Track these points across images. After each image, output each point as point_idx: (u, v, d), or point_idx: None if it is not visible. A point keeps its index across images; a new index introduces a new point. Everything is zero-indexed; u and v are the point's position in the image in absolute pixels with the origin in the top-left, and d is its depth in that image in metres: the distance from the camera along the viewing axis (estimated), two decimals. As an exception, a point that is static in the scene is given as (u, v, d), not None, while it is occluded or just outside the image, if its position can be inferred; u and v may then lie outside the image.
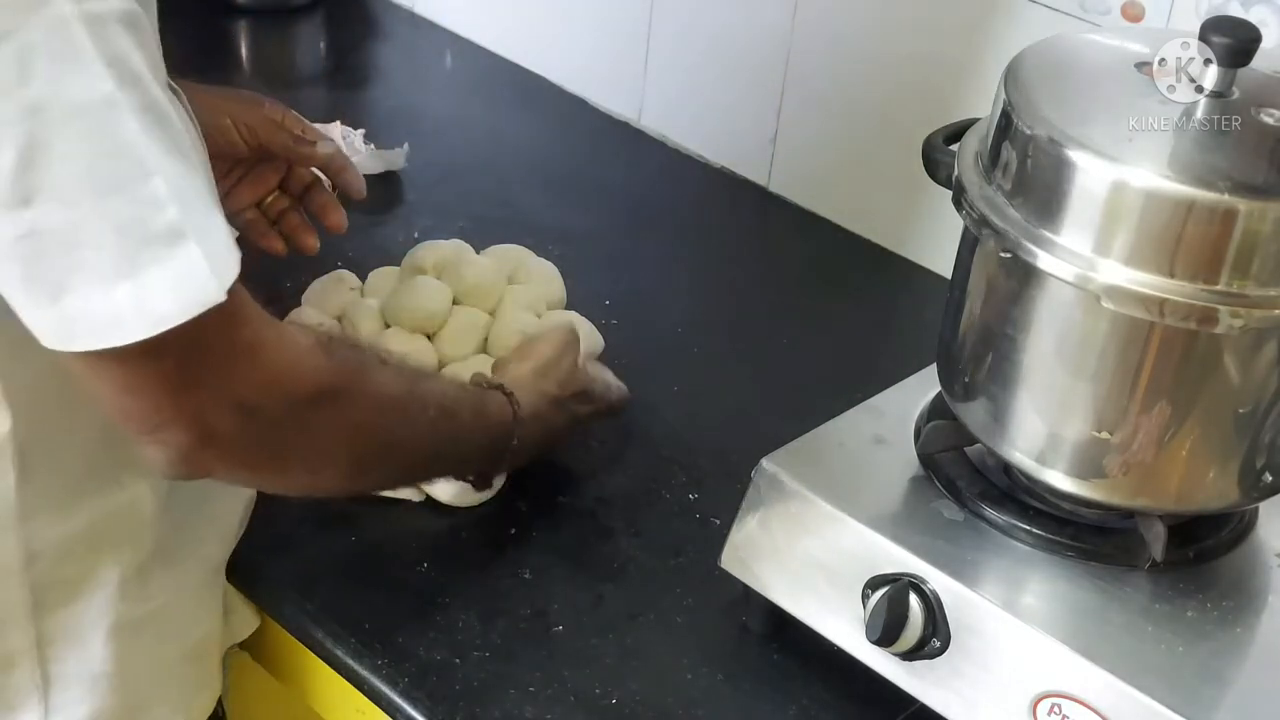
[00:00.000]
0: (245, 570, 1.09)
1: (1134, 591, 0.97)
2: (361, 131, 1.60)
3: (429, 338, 1.30)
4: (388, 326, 1.30)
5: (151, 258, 0.77)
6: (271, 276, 1.35)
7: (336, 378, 0.90)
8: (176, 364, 0.81)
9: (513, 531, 1.16)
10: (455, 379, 1.14)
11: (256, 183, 1.25)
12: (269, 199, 1.26)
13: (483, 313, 1.32)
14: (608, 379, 1.22)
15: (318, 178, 1.28)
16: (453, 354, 1.29)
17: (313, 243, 1.27)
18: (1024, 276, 0.94)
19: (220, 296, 0.79)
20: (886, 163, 1.50)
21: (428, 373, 1.07)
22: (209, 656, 1.07)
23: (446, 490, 1.16)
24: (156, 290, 0.77)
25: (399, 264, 1.37)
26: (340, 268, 1.37)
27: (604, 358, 1.32)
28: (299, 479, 0.95)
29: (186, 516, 1.01)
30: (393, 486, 1.12)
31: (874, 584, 0.98)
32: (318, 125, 1.49)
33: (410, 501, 1.17)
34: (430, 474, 1.11)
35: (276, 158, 1.24)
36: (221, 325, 0.81)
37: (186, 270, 0.78)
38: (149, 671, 1.01)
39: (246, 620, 1.12)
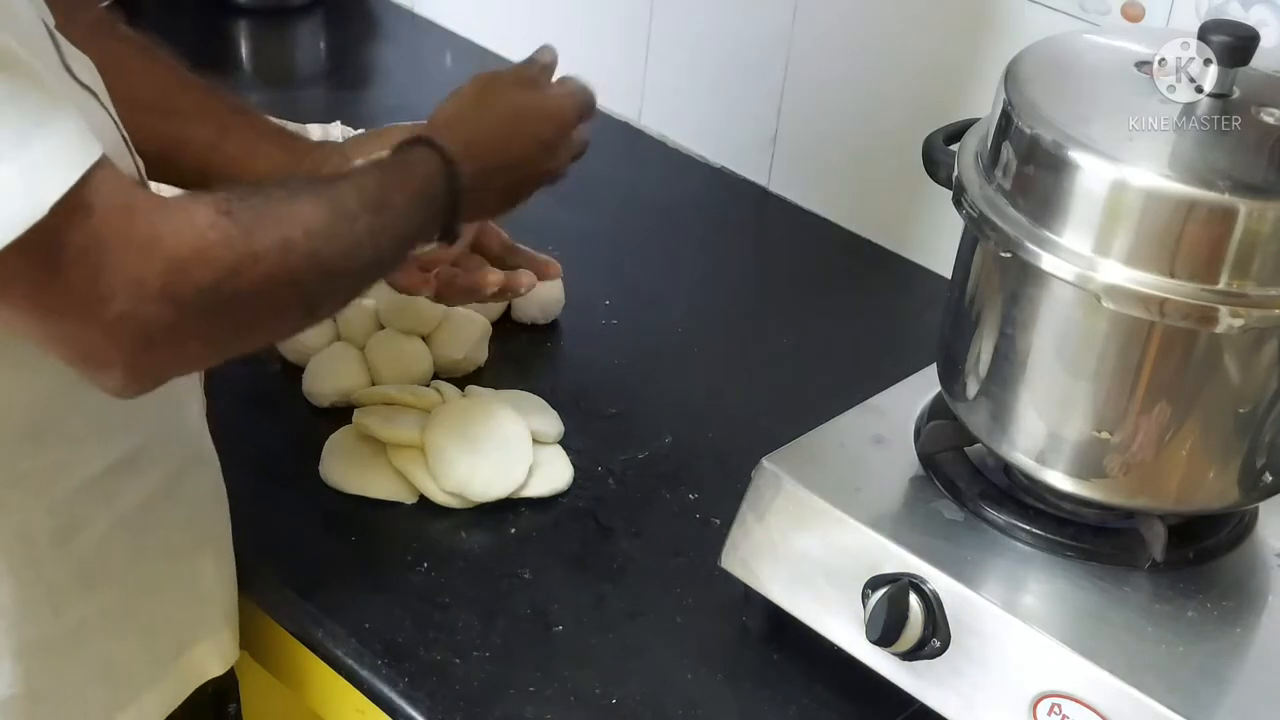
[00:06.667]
0: (245, 571, 1.09)
1: (1134, 591, 0.97)
2: (361, 132, 1.60)
3: (424, 339, 1.30)
4: (382, 328, 1.30)
5: None
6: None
7: (249, 240, 0.84)
8: (80, 277, 0.78)
9: (513, 531, 1.16)
10: (370, 163, 1.04)
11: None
12: None
13: (479, 316, 1.32)
14: (564, 85, 1.18)
15: None
16: (448, 356, 1.29)
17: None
18: (1024, 276, 0.94)
19: (35, 214, 0.75)
20: (886, 163, 1.50)
21: (339, 177, 0.99)
22: (133, 678, 1.01)
23: (446, 491, 1.16)
24: None
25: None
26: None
27: (604, 357, 1.31)
28: (257, 338, 0.94)
29: (102, 537, 0.96)
30: (353, 298, 1.00)
31: (874, 584, 0.98)
32: (318, 125, 1.50)
33: (409, 502, 1.17)
34: (384, 272, 1.03)
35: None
36: (109, 228, 0.78)
37: None
38: (61, 692, 0.96)
39: (219, 652, 1.06)
